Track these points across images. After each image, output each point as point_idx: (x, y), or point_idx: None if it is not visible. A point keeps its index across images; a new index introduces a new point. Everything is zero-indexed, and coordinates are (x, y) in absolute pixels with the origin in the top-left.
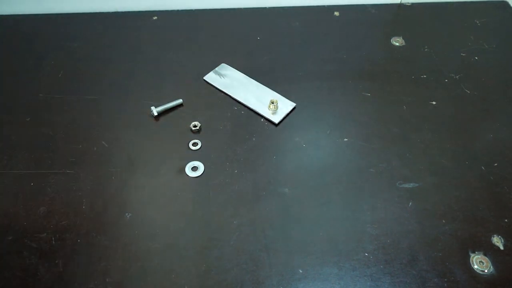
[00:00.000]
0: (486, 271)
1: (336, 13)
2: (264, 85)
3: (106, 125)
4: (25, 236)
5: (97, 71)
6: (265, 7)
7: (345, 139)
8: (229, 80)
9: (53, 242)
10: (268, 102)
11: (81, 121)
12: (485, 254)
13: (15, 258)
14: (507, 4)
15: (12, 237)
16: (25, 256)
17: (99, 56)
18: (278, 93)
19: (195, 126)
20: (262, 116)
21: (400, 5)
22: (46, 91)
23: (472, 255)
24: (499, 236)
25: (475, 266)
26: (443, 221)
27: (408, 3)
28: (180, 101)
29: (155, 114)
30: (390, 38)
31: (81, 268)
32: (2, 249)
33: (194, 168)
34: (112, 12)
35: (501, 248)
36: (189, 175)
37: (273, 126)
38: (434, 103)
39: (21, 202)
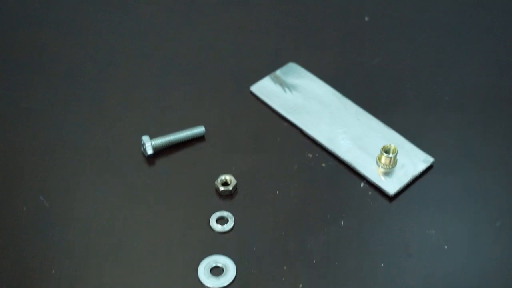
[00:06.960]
0: None
1: None
2: (371, 113)
3: (49, 169)
4: None
5: (38, 43)
6: None
7: None
8: (301, 96)
9: None
10: (379, 151)
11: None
12: None
13: None
14: None
15: None
16: None
17: (44, 17)
18: (399, 133)
19: (225, 183)
20: (363, 178)
21: None
22: None
23: None
24: None
25: None
26: None
27: None
28: (200, 130)
29: (149, 152)
30: None
31: None
32: None
33: (216, 270)
34: None
35: None
36: (207, 284)
37: (385, 201)
38: None
39: None
